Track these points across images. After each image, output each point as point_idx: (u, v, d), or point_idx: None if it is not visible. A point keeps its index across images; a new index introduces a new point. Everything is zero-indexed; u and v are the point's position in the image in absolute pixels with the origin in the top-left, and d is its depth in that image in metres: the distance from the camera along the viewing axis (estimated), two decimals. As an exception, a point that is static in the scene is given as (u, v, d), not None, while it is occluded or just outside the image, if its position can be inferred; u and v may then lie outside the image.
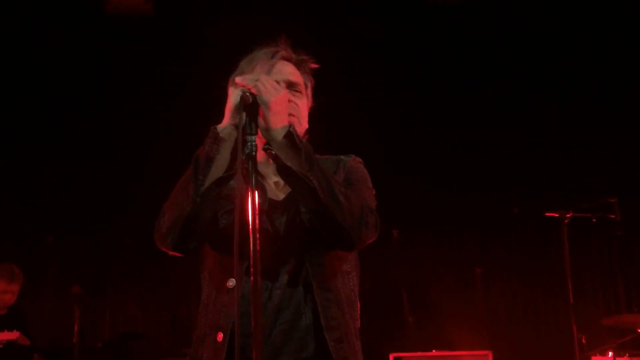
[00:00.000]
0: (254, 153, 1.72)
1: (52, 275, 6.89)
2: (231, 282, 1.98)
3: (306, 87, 2.20)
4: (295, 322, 1.98)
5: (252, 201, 1.67)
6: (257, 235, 1.65)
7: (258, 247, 1.64)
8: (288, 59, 2.17)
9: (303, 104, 2.16)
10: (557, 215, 5.81)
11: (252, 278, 1.62)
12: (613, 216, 5.66)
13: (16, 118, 7.18)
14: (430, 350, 5.91)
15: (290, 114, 2.00)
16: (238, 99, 1.82)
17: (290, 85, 2.12)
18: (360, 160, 2.25)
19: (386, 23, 6.71)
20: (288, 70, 2.14)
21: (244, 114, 1.79)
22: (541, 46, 6.94)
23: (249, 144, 1.73)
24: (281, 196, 2.12)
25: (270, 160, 2.00)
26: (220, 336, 1.96)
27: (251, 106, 1.81)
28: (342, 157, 2.24)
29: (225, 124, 1.90)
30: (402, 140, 7.34)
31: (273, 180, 2.15)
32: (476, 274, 6.39)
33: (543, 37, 6.84)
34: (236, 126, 1.84)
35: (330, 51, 6.86)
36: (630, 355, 5.29)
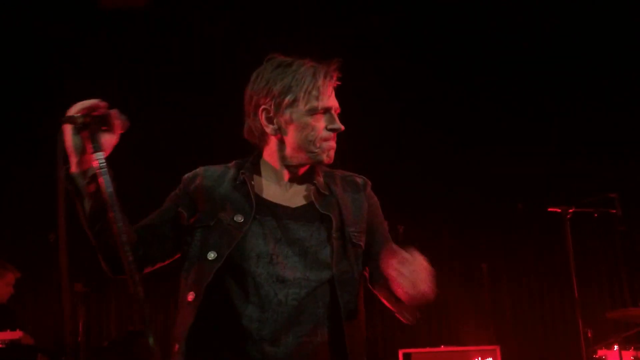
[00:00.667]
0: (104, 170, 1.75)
1: (55, 274, 6.80)
2: (191, 296, 2.03)
3: None
4: (313, 337, 2.02)
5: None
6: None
7: (131, 258, 1.69)
8: (331, 78, 2.13)
9: None
10: (559, 210, 5.85)
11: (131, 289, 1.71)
12: (614, 211, 5.71)
13: (14, 112, 7.10)
14: (439, 346, 5.94)
15: (334, 146, 2.11)
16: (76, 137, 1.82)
17: (337, 110, 2.15)
18: (370, 184, 2.29)
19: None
20: (334, 96, 2.14)
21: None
22: (544, 41, 6.97)
23: (101, 162, 1.76)
24: (295, 202, 2.14)
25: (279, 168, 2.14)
26: (176, 347, 2.02)
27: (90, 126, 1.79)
28: (357, 180, 2.26)
29: (74, 169, 1.91)
30: (407, 136, 7.34)
31: (284, 187, 2.17)
32: (482, 269, 6.41)
33: (546, 32, 6.87)
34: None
35: (326, 45, 6.91)
36: (635, 349, 5.29)
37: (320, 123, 2.08)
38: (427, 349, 5.79)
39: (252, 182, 2.11)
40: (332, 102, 2.12)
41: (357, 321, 2.11)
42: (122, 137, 1.86)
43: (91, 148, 1.76)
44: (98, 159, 1.74)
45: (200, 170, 2.20)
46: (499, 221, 7.14)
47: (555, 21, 6.75)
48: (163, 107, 6.90)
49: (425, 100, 7.27)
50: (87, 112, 1.78)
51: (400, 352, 5.65)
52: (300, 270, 2.02)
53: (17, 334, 5.51)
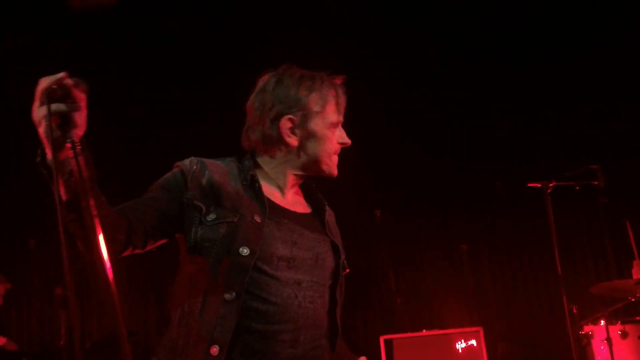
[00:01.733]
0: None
1: (36, 278, 6.85)
2: (229, 295, 1.95)
3: None
4: (322, 340, 2.11)
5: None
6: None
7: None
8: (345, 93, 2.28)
9: None
10: (539, 185, 5.77)
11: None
12: (596, 183, 5.62)
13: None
14: (421, 331, 5.88)
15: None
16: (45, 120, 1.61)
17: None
18: None
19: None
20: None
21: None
22: (520, 15, 6.88)
23: (73, 144, 1.59)
24: (297, 209, 2.22)
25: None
26: (215, 349, 1.91)
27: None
28: (325, 206, 2.33)
29: (50, 155, 1.67)
30: (382, 118, 7.29)
31: (289, 193, 2.25)
32: (462, 250, 6.36)
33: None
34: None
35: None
36: (622, 323, 5.25)
37: (335, 136, 2.21)
38: (409, 334, 5.73)
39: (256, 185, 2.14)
40: (342, 116, 2.25)
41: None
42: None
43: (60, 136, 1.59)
44: (71, 145, 1.57)
45: (201, 161, 2.13)
46: (478, 200, 7.07)
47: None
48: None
49: (399, 81, 7.20)
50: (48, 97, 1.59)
51: (382, 339, 5.60)
52: (312, 274, 2.09)
53: (0, 340, 5.54)
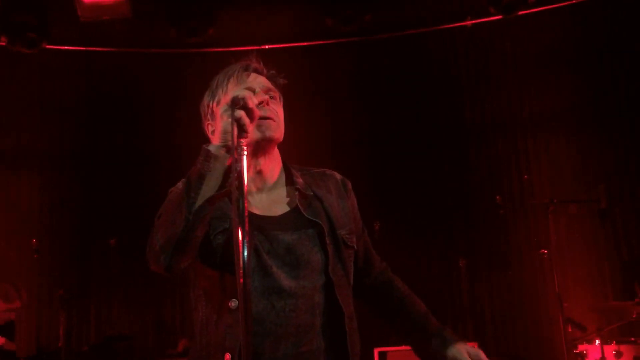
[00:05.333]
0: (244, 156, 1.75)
1: (36, 279, 6.92)
2: (233, 303, 1.97)
3: (280, 97, 2.23)
4: (311, 345, 2.02)
5: (241, 221, 1.68)
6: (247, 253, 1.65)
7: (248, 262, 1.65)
8: (261, 73, 2.21)
9: (280, 110, 2.17)
10: (541, 203, 5.79)
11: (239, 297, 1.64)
12: (598, 204, 5.63)
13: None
14: (415, 344, 5.88)
15: (270, 118, 2.07)
16: (228, 120, 1.83)
17: (267, 91, 2.14)
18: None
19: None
20: (261, 79, 2.18)
21: (237, 114, 1.81)
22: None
23: (240, 148, 1.75)
24: (279, 210, 2.12)
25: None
26: (227, 357, 1.95)
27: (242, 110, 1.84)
28: (337, 176, 2.28)
29: (216, 142, 1.89)
30: (382, 131, 7.35)
31: (262, 195, 2.15)
32: (460, 265, 6.35)
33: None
34: (226, 146, 1.86)
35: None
36: (617, 343, 5.24)
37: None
38: (403, 347, 5.72)
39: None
40: (256, 84, 2.17)
41: (354, 323, 2.12)
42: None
43: (237, 132, 1.79)
44: (241, 144, 1.77)
45: None
46: (478, 215, 7.07)
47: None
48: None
49: (399, 93, 7.29)
50: (246, 100, 1.82)
51: (376, 351, 5.60)
52: (295, 279, 2.01)
53: (-1, 341, 5.58)
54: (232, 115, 1.79)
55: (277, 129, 2.10)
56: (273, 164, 2.17)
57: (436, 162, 7.26)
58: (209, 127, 2.18)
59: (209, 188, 1.86)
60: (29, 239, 6.42)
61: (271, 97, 2.13)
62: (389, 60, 7.41)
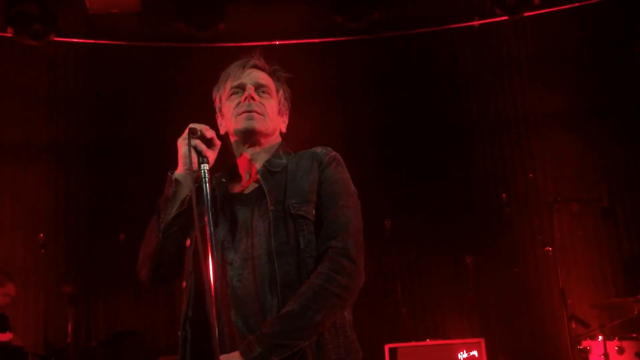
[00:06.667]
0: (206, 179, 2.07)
1: (43, 274, 6.87)
2: (185, 283, 2.18)
3: (277, 91, 2.37)
4: (262, 315, 2.05)
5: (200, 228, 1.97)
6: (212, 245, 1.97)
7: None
8: (261, 68, 2.37)
9: (270, 105, 2.33)
10: (545, 201, 5.86)
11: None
12: (601, 201, 5.72)
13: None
14: (424, 340, 5.96)
15: (253, 111, 2.26)
16: (186, 146, 2.09)
17: (258, 87, 2.32)
18: (335, 155, 2.30)
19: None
20: (257, 75, 2.34)
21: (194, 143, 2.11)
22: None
23: (203, 172, 2.08)
24: (249, 189, 2.27)
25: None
26: (179, 334, 2.14)
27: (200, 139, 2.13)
28: (317, 150, 2.30)
29: (180, 170, 2.19)
30: (392, 129, 7.38)
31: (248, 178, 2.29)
32: (467, 262, 6.42)
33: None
34: (188, 170, 2.12)
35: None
36: (620, 339, 5.31)
37: (234, 102, 2.40)
38: (413, 343, 5.81)
39: (223, 180, 2.30)
40: (249, 79, 2.37)
41: (291, 291, 2.06)
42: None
43: (197, 159, 2.10)
44: (203, 169, 2.08)
45: None
46: (484, 213, 7.15)
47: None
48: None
49: (408, 92, 7.32)
50: (203, 131, 2.14)
51: (386, 347, 5.66)
52: (244, 251, 2.12)
53: (7, 336, 5.55)
54: (189, 143, 2.08)
55: (262, 122, 2.27)
56: (263, 156, 2.30)
57: (442, 161, 7.28)
58: (218, 119, 2.42)
59: (174, 209, 2.18)
60: (35, 233, 6.40)
61: (262, 92, 2.31)
62: (397, 58, 7.45)
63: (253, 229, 2.14)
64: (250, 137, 2.27)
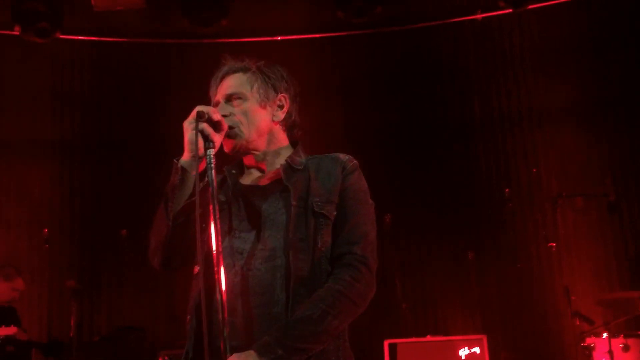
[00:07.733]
0: (212, 165, 2.04)
1: (47, 269, 6.95)
2: (196, 269, 2.17)
3: (252, 87, 2.31)
4: (269, 307, 2.05)
5: (214, 213, 1.98)
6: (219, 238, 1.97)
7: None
8: (234, 71, 2.34)
9: (244, 108, 2.28)
10: (549, 196, 5.81)
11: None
12: (605, 196, 5.66)
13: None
14: (425, 336, 5.91)
15: (229, 127, 2.20)
16: (193, 132, 2.05)
17: (228, 99, 2.30)
18: (357, 164, 2.30)
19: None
20: (227, 85, 2.32)
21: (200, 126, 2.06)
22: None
23: (208, 157, 2.05)
24: (263, 182, 2.27)
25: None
26: (188, 319, 2.17)
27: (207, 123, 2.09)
28: (340, 156, 2.30)
29: (186, 156, 2.13)
30: (394, 123, 7.37)
31: (257, 171, 2.32)
32: (469, 257, 6.37)
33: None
34: (193, 157, 2.08)
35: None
36: (625, 336, 5.25)
37: None
38: (413, 339, 5.75)
39: (233, 172, 2.32)
40: (220, 95, 2.35)
41: (308, 289, 2.08)
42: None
43: (203, 144, 2.06)
44: (209, 155, 2.05)
45: None
46: (487, 208, 7.10)
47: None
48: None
49: (412, 86, 7.31)
50: (210, 114, 2.09)
51: (386, 343, 5.60)
52: (257, 241, 2.13)
53: (11, 330, 5.59)
54: (197, 127, 2.04)
55: (239, 139, 2.25)
56: (266, 152, 2.31)
57: (445, 155, 7.27)
58: None
59: (182, 197, 2.13)
60: (40, 228, 6.48)
61: (234, 99, 2.28)
62: (399, 53, 7.44)
63: (270, 221, 2.14)
64: (238, 154, 2.32)
